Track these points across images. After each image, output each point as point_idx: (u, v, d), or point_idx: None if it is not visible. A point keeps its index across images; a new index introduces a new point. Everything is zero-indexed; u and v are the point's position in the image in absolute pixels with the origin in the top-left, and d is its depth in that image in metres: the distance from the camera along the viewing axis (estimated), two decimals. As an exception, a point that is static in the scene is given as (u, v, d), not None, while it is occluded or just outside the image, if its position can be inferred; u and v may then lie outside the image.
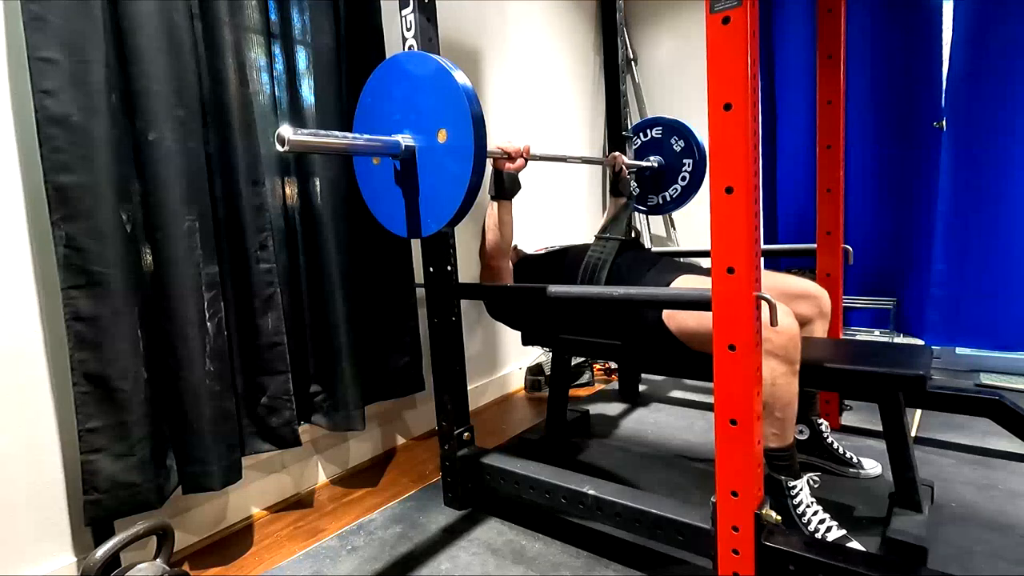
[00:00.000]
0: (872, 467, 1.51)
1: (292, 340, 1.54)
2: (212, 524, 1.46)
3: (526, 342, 1.86)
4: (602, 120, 2.99)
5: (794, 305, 1.25)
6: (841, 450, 1.52)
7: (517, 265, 1.69)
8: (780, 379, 1.12)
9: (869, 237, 2.31)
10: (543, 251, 1.76)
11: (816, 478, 1.23)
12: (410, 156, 1.11)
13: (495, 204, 1.50)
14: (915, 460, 1.23)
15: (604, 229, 1.65)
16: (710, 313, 1.06)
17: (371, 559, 1.30)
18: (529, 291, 1.44)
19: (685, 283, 1.31)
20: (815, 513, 1.15)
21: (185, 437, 1.29)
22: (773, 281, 1.42)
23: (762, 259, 0.96)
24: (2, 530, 1.14)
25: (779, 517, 0.99)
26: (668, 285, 1.32)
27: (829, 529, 1.14)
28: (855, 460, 1.51)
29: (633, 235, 1.51)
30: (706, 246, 1.03)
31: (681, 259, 1.65)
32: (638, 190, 2.22)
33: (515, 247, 1.71)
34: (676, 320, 1.29)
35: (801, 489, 1.17)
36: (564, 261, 1.61)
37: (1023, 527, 1.25)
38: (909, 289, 2.31)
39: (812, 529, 1.14)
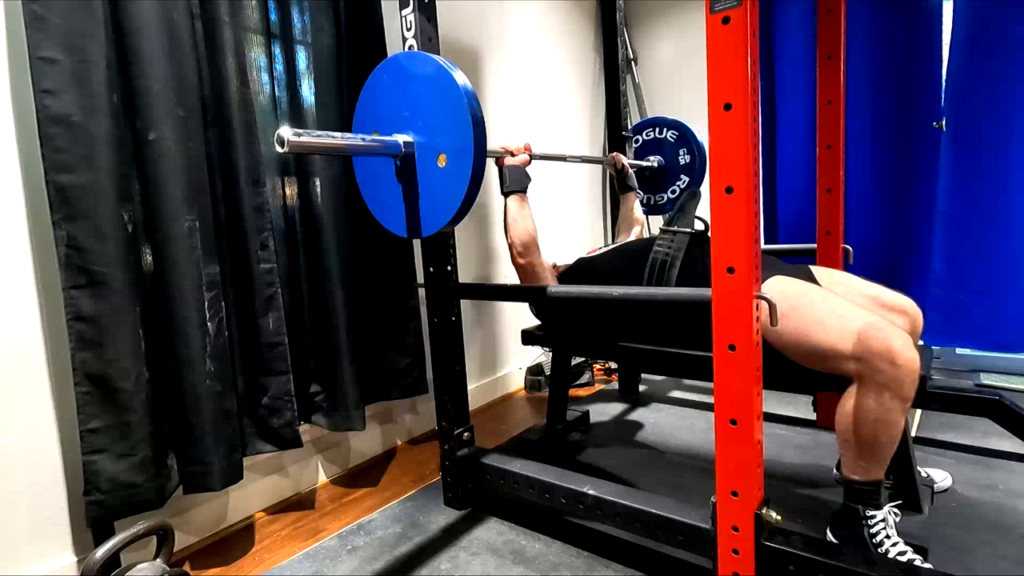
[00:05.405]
0: (942, 479, 1.43)
1: (293, 340, 1.54)
2: (212, 524, 1.46)
3: (546, 343, 1.64)
4: (602, 120, 2.98)
5: (887, 319, 1.09)
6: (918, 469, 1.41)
7: (567, 273, 1.59)
8: (887, 416, 1.00)
9: (869, 237, 2.30)
10: (596, 251, 1.61)
11: (897, 511, 1.13)
12: (410, 156, 1.11)
13: (512, 198, 1.46)
14: (915, 460, 1.23)
15: (669, 221, 1.39)
16: (809, 322, 1.06)
17: (371, 559, 1.31)
18: (530, 290, 1.44)
19: (776, 285, 1.15)
20: (894, 544, 1.07)
21: (186, 437, 1.30)
22: (867, 289, 1.30)
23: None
24: (2, 530, 1.14)
25: (779, 517, 0.99)
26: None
27: (911, 563, 1.04)
28: (925, 475, 1.42)
29: (703, 227, 1.35)
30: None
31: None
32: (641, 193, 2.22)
33: (553, 264, 1.59)
34: (772, 334, 1.11)
35: (882, 520, 1.08)
36: (623, 259, 1.46)
37: (1023, 527, 1.25)
38: (909, 289, 2.30)
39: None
